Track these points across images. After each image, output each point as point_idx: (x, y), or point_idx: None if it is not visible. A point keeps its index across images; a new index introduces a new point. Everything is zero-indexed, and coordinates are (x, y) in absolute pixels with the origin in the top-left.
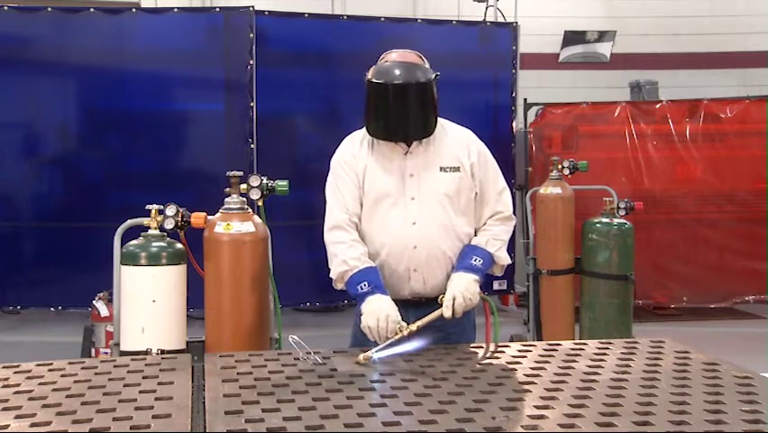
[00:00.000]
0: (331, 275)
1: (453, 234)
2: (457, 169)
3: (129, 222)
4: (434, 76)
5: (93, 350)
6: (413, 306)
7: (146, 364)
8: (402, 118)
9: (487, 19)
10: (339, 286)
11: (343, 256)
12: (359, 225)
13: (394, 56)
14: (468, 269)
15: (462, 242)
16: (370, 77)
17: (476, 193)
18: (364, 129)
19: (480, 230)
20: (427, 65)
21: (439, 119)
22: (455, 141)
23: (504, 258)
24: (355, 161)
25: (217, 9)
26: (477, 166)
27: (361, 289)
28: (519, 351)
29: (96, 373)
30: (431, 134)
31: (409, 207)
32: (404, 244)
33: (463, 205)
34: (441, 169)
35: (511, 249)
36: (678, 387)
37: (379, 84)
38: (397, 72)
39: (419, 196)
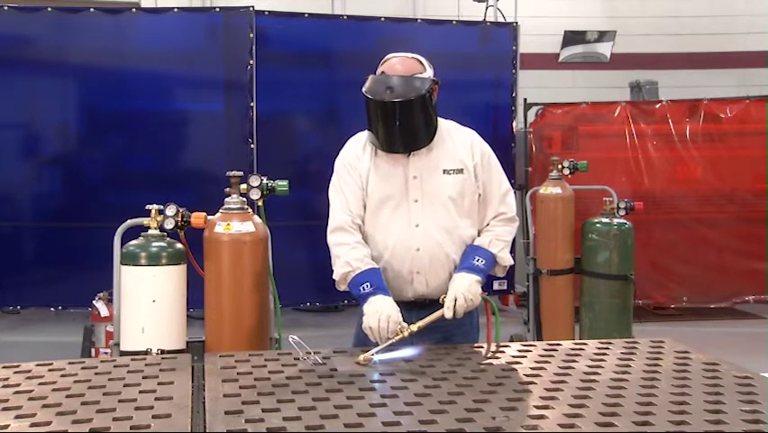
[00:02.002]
0: (334, 276)
1: (457, 237)
2: (460, 171)
3: (129, 222)
4: (432, 84)
5: (93, 350)
6: (416, 307)
7: (146, 364)
8: (398, 133)
9: (487, 19)
10: (342, 287)
11: (346, 258)
12: (362, 226)
13: (394, 61)
14: (470, 269)
15: (466, 244)
16: (365, 89)
17: (479, 194)
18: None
19: (483, 231)
20: (428, 69)
21: (443, 120)
22: (459, 142)
23: (506, 259)
24: (359, 163)
25: (217, 9)
26: (480, 167)
27: (364, 289)
28: (519, 351)
29: (96, 373)
30: (431, 141)
31: (412, 210)
32: (407, 247)
33: (467, 207)
34: (444, 171)
35: (511, 249)
36: (678, 387)
37: (373, 101)
38: (392, 88)
39: (422, 198)
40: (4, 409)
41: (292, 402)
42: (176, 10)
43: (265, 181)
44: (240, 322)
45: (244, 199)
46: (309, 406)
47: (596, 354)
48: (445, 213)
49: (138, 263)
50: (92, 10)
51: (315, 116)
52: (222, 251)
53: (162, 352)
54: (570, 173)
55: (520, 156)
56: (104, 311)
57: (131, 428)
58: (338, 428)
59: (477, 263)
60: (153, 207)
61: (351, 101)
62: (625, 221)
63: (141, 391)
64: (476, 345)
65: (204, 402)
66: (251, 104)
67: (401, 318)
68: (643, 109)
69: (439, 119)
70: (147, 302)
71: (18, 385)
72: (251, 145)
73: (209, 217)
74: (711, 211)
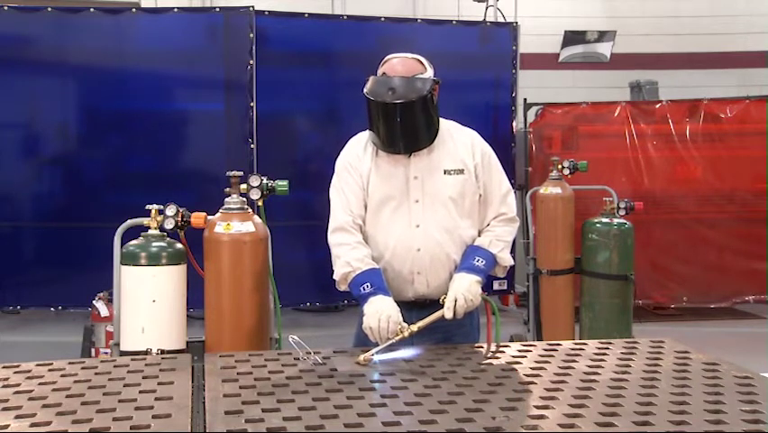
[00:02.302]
0: (334, 276)
1: (457, 237)
2: (461, 171)
3: (129, 222)
4: (433, 84)
5: (93, 350)
6: (416, 307)
7: (146, 364)
8: (400, 133)
9: (487, 19)
10: (342, 287)
11: (347, 258)
12: (363, 227)
13: (395, 62)
14: (470, 269)
15: (466, 244)
16: (366, 90)
17: (480, 195)
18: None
19: (483, 231)
20: (429, 69)
21: (443, 120)
22: (460, 143)
23: (506, 259)
24: (360, 163)
25: (217, 9)
26: (481, 167)
27: (364, 290)
28: (519, 351)
29: (96, 373)
30: (432, 141)
31: (413, 210)
32: (407, 247)
33: (467, 207)
34: (445, 172)
35: (511, 249)
36: (678, 387)
37: (375, 102)
38: (393, 89)
39: (423, 199)
40: (4, 409)
41: (292, 402)
42: (176, 10)
43: (265, 181)
44: (240, 322)
45: (244, 199)
46: (309, 406)
47: (596, 354)
48: (446, 213)
49: (138, 263)
50: (92, 10)
51: (315, 116)
52: (222, 251)
53: (162, 352)
54: (570, 173)
55: (520, 156)
56: (104, 311)
57: (131, 428)
58: (338, 428)
59: (477, 264)
60: (153, 207)
61: (351, 101)
62: (625, 221)
63: (141, 391)
64: (476, 345)
65: (204, 402)
66: (251, 104)
67: (401, 319)
68: (643, 109)
69: (440, 119)
70: (147, 302)
71: (18, 385)
72: (251, 145)
73: (209, 217)
74: (711, 211)
